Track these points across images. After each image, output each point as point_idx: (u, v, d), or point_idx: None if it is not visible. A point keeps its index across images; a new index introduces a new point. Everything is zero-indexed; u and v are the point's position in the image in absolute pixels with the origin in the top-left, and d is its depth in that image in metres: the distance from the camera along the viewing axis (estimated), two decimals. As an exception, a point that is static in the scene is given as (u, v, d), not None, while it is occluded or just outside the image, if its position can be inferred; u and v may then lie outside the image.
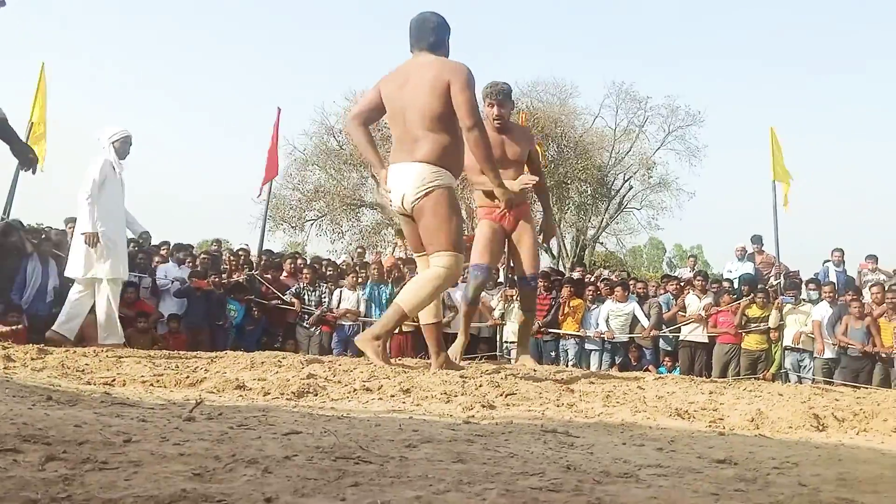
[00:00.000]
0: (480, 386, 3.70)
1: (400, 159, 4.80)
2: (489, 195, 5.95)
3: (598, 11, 59.58)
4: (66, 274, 7.76)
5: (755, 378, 9.90)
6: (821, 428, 3.01)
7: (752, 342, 11.33)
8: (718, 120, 56.85)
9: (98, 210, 7.29)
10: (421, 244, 5.02)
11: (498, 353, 11.43)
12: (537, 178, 5.82)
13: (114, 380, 3.38)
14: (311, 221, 27.60)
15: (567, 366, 10.55)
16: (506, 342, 11.75)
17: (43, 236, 11.55)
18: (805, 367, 11.24)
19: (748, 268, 13.85)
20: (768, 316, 11.31)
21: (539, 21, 59.38)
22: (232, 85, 64.59)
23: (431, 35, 4.82)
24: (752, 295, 11.48)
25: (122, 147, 7.57)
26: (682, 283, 12.91)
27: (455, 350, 6.08)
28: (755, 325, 11.33)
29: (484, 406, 3.14)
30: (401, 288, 5.43)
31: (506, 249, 6.51)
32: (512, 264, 6.65)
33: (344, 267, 13.52)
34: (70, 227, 13.13)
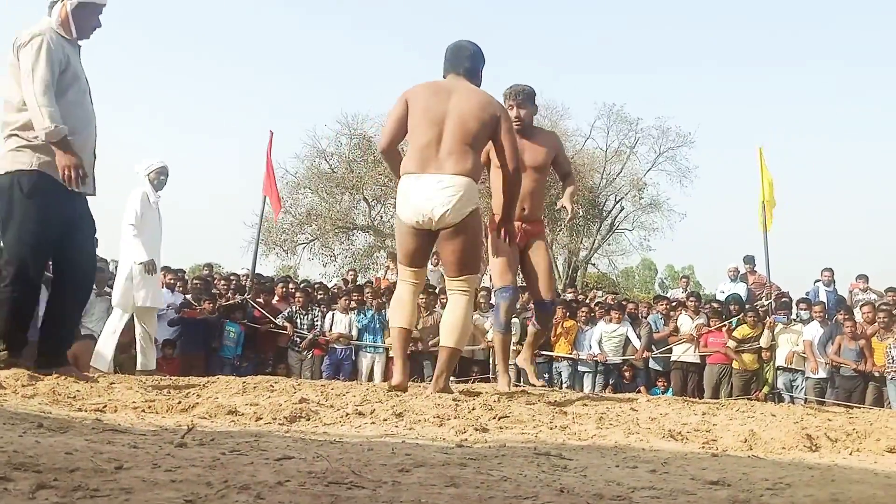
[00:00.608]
0: (473, 409, 3.69)
1: (431, 168, 4.61)
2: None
3: (588, 34, 59.90)
4: (113, 304, 8.02)
5: (748, 398, 9.91)
6: (814, 448, 3.01)
7: (744, 362, 11.33)
8: (709, 140, 57.11)
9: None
10: (425, 258, 4.97)
11: (491, 376, 11.40)
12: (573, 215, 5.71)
13: (105, 406, 3.36)
14: (303, 245, 27.54)
15: (561, 388, 10.54)
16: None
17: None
18: (797, 386, 11.26)
19: (741, 288, 13.89)
20: (759, 336, 11.33)
21: (530, 43, 59.71)
22: (223, 107, 64.58)
23: (467, 62, 4.84)
24: (743, 315, 11.52)
25: (158, 178, 7.76)
26: (673, 304, 12.94)
27: (503, 387, 5.72)
28: (746, 345, 11.34)
29: (477, 429, 3.13)
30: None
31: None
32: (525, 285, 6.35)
33: (335, 291, 13.49)
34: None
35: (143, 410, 3.34)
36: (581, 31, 59.75)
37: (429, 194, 4.58)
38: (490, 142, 4.77)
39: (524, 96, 5.70)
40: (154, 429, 2.73)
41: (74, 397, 3.60)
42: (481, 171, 4.81)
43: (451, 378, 6.23)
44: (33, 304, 4.85)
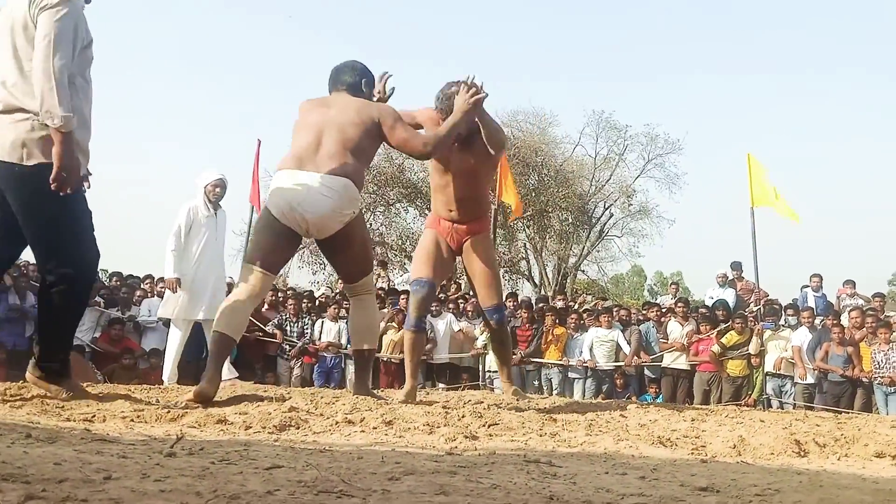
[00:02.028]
0: (463, 417, 3.69)
1: (308, 167, 4.36)
2: (440, 206, 5.20)
3: (576, 41, 60.05)
4: (159, 314, 8.32)
5: (737, 404, 9.93)
6: (802, 454, 3.02)
7: (733, 369, 11.35)
8: (697, 147, 57.18)
9: (184, 253, 7.59)
10: (279, 262, 4.61)
11: (481, 383, 11.40)
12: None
13: (94, 416, 3.35)
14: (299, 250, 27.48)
15: (551, 395, 10.54)
16: (488, 371, 11.74)
17: (21, 271, 11.53)
18: (786, 392, 11.28)
19: (729, 294, 13.90)
20: (748, 342, 11.35)
21: (518, 51, 59.80)
22: (211, 115, 64.46)
23: (348, 76, 4.75)
24: (731, 322, 11.54)
25: (213, 191, 7.75)
26: (663, 310, 12.95)
27: (408, 394, 4.91)
28: (735, 351, 11.36)
29: (467, 437, 3.13)
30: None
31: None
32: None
33: (323, 300, 13.47)
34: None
35: (132, 420, 3.33)
36: (570, 38, 59.83)
37: (305, 191, 4.31)
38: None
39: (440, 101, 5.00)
40: (143, 438, 2.72)
41: (63, 407, 3.59)
42: (363, 179, 4.59)
43: (442, 385, 6.19)
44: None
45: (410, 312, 5.14)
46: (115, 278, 13.79)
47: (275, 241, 4.48)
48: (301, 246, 23.46)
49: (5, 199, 3.83)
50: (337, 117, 4.49)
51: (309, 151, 4.42)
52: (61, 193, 3.74)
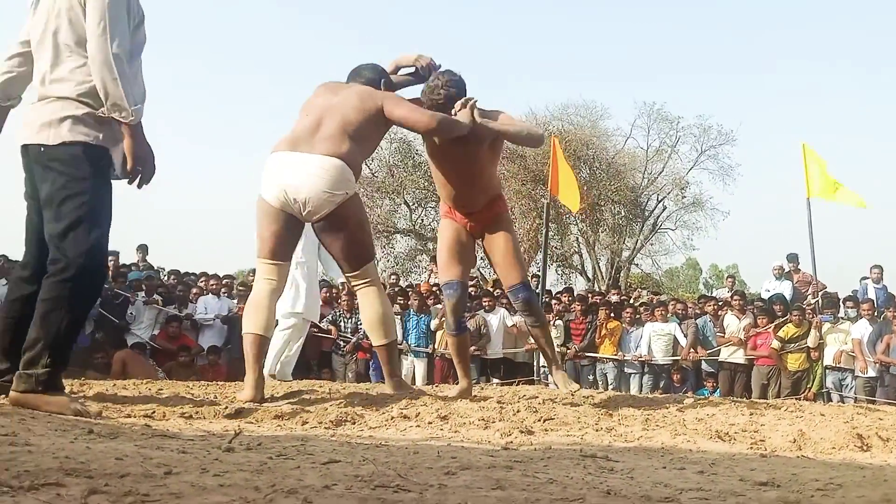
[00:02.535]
0: (518, 412, 3.68)
1: (301, 148, 4.30)
2: (447, 198, 5.00)
3: (625, 33, 59.51)
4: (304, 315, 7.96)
5: (796, 398, 9.78)
6: (865, 448, 2.97)
7: (792, 362, 11.20)
8: (752, 138, 56.32)
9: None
10: (287, 249, 4.50)
11: (535, 378, 11.36)
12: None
13: (154, 412, 3.40)
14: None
15: (607, 390, 10.48)
16: (543, 366, 11.70)
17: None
18: (847, 386, 11.08)
19: (786, 286, 13.70)
20: (806, 335, 11.17)
21: (568, 44, 59.44)
22: (262, 116, 64.97)
23: (367, 72, 4.73)
24: (788, 315, 11.38)
25: None
26: (720, 303, 12.81)
27: (463, 392, 4.79)
28: (793, 345, 11.20)
29: (522, 432, 3.12)
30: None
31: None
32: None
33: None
34: (110, 260, 13.34)
35: (191, 416, 3.37)
36: (620, 30, 59.29)
37: (296, 172, 4.24)
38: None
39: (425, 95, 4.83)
40: (202, 434, 2.75)
41: (124, 403, 3.64)
42: (359, 163, 4.45)
43: (496, 380, 6.10)
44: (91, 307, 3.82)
45: (448, 317, 4.97)
46: (172, 276, 13.96)
47: (275, 229, 4.39)
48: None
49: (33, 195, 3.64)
50: (341, 102, 4.43)
51: (306, 133, 4.36)
52: (139, 189, 3.64)
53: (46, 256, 3.46)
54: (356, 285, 4.59)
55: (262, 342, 4.37)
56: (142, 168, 3.52)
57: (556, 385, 5.28)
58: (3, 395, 3.33)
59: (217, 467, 1.87)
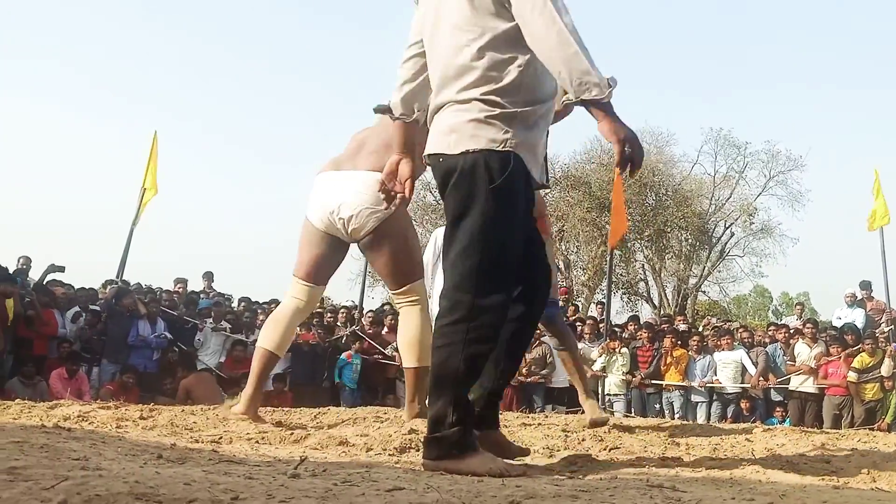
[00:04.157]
0: (583, 440, 3.65)
1: (346, 167, 4.30)
2: None
3: (691, 58, 58.99)
4: None
5: (870, 429, 9.55)
6: (941, 481, 2.88)
7: (866, 392, 10.97)
8: (822, 163, 55.35)
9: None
10: (324, 273, 4.41)
11: (601, 406, 11.26)
12: None
13: (221, 437, 3.45)
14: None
15: (673, 418, 10.35)
16: (608, 395, 11.64)
17: (154, 296, 12.04)
18: (923, 415, 10.82)
19: (858, 314, 13.43)
20: (880, 363, 10.94)
21: (633, 70, 59.22)
22: (326, 140, 65.50)
23: None
24: (860, 344, 11.15)
25: None
26: (791, 331, 12.62)
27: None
28: (866, 374, 10.97)
29: (588, 461, 3.09)
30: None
31: None
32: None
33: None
34: (179, 287, 13.62)
35: (257, 441, 3.41)
36: (686, 53, 58.84)
37: (339, 190, 4.19)
38: None
39: None
40: (268, 460, 2.78)
41: (191, 429, 3.69)
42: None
43: (561, 408, 5.98)
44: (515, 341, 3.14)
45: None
46: (242, 303, 14.16)
47: (316, 251, 4.35)
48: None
49: None
50: (381, 126, 4.33)
51: (349, 153, 4.36)
52: (631, 177, 3.03)
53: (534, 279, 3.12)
54: (399, 303, 4.45)
55: (271, 358, 4.34)
56: (630, 150, 2.80)
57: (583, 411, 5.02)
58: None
59: (283, 493, 1.88)
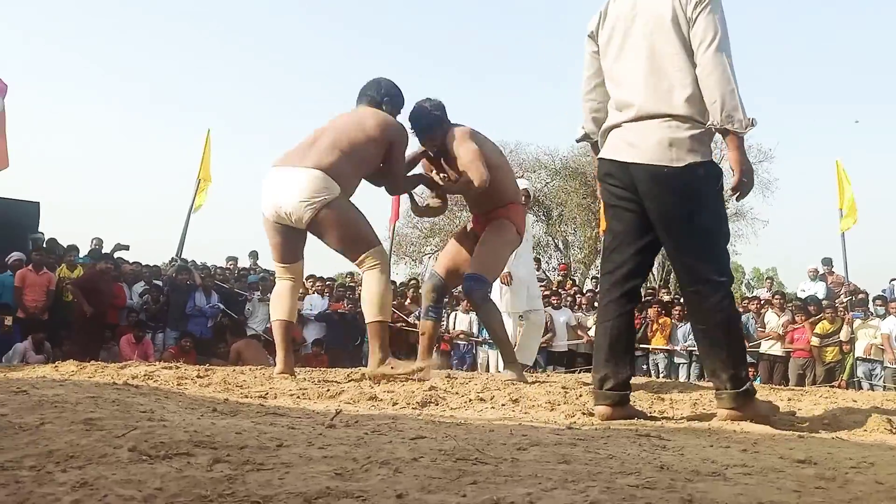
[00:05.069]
0: (580, 396, 3.65)
1: (289, 162, 4.26)
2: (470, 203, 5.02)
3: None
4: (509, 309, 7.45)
5: (830, 387, 9.53)
6: (893, 431, 2.86)
7: (826, 354, 11.04)
8: (788, 154, 54.84)
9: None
10: (293, 253, 4.47)
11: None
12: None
13: (267, 394, 3.46)
14: (429, 255, 27.80)
15: (658, 378, 10.35)
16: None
17: (209, 272, 12.12)
18: (876, 375, 10.86)
19: (820, 287, 13.42)
20: (839, 330, 10.98)
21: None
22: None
23: (370, 91, 4.59)
24: (821, 313, 11.20)
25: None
26: (762, 302, 12.62)
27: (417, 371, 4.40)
28: (827, 339, 11.02)
29: (584, 413, 3.09)
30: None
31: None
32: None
33: (458, 295, 13.58)
34: (230, 264, 13.65)
35: (298, 397, 3.41)
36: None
37: (281, 186, 4.20)
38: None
39: (419, 133, 4.74)
40: (308, 412, 2.78)
41: (241, 386, 3.70)
42: (346, 172, 4.24)
43: (561, 369, 5.97)
44: None
45: (423, 300, 4.97)
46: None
47: (278, 239, 4.41)
48: (435, 249, 23.39)
49: (632, 208, 3.15)
50: (344, 121, 4.36)
51: (301, 148, 4.30)
52: (737, 201, 3.45)
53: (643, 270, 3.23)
54: (362, 270, 4.43)
55: (286, 326, 4.51)
56: (746, 181, 3.05)
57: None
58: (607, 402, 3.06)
59: (321, 441, 1.89)
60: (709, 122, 2.96)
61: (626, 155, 3.07)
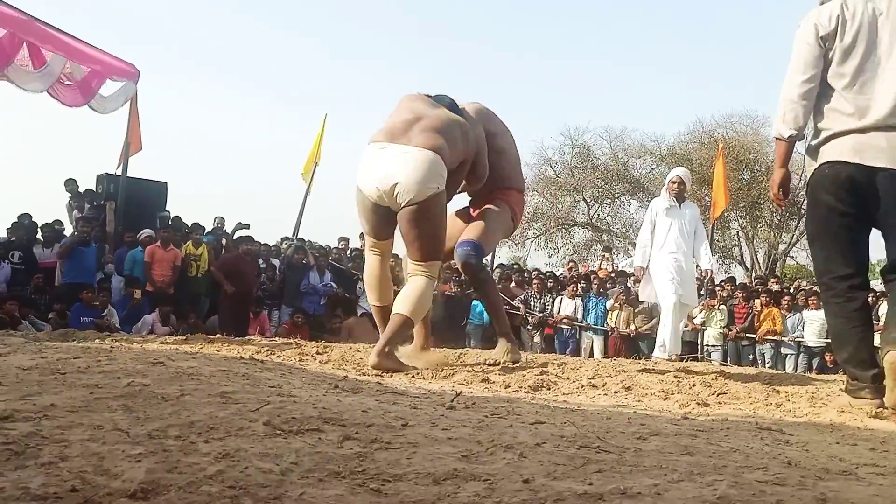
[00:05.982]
0: (694, 385, 3.56)
1: (400, 141, 3.93)
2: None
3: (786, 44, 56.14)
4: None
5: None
6: None
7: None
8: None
9: (652, 245, 7.00)
10: (389, 230, 4.16)
11: (700, 356, 11.00)
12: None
13: (383, 372, 3.50)
14: (531, 239, 27.71)
15: (764, 368, 10.03)
16: (707, 345, 11.37)
17: (323, 252, 12.41)
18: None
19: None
20: None
21: (735, 56, 56.67)
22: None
23: (446, 100, 4.26)
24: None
25: (672, 186, 7.07)
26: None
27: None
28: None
29: (699, 404, 3.01)
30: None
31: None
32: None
33: (563, 278, 13.48)
34: (343, 244, 13.93)
35: (413, 377, 3.43)
36: (780, 41, 56.07)
37: (392, 162, 3.86)
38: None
39: None
40: (425, 392, 2.80)
41: (358, 364, 3.75)
42: (452, 159, 3.98)
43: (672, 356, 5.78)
44: None
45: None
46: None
47: (372, 218, 4.09)
48: (537, 234, 23.14)
49: (856, 213, 3.17)
50: (441, 112, 4.08)
51: (404, 126, 3.97)
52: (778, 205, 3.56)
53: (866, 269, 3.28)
54: (413, 272, 4.06)
55: (384, 311, 4.19)
56: (778, 193, 3.42)
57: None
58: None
59: (444, 422, 1.90)
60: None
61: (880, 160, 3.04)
